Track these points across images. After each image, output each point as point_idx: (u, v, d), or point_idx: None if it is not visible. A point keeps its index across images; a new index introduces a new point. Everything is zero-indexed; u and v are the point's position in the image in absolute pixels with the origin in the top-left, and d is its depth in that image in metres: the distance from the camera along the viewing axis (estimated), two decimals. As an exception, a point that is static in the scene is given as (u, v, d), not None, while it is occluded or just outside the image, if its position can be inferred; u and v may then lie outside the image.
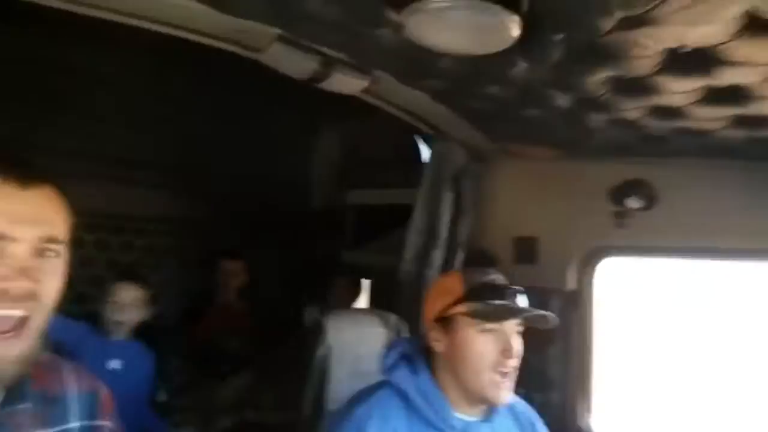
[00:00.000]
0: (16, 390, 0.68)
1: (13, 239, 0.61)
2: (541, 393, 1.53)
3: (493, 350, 0.99)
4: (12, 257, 0.61)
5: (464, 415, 1.04)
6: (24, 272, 0.61)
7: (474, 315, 1.00)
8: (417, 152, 2.16)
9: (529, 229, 1.67)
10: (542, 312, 1.05)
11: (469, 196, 1.71)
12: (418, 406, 1.02)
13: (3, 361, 0.61)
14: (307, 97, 2.52)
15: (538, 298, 1.51)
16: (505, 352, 0.99)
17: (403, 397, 1.04)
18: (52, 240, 0.65)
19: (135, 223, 2.80)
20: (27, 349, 0.63)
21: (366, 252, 2.58)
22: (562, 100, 1.18)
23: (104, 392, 0.81)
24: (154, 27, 1.04)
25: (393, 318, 1.49)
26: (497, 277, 1.08)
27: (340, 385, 1.32)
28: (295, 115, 3.09)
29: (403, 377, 1.05)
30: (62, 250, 0.67)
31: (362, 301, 2.59)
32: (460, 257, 1.71)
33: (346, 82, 1.20)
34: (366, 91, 1.27)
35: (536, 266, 1.63)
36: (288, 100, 2.79)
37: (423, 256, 1.68)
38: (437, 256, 1.67)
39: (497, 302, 1.01)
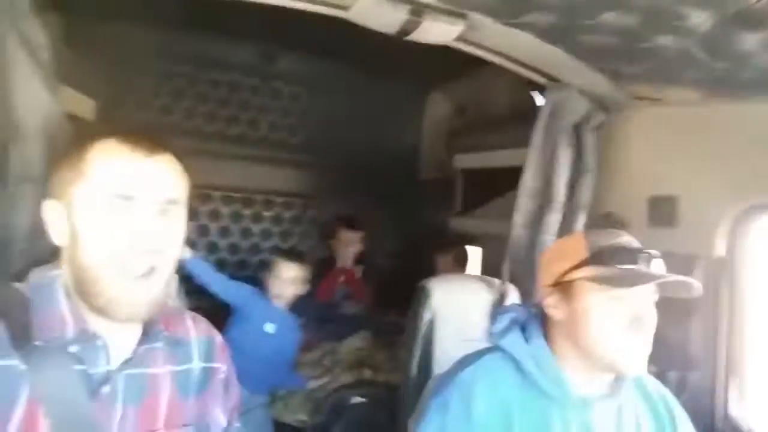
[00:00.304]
0: (151, 332, 0.79)
1: (141, 200, 0.70)
2: (679, 372, 1.33)
3: (621, 319, 0.88)
4: (140, 215, 0.70)
5: (585, 388, 0.94)
6: (149, 228, 0.71)
7: (599, 281, 0.89)
8: (533, 109, 1.99)
9: (666, 187, 1.43)
10: (682, 278, 0.89)
11: (592, 152, 1.52)
12: (532, 374, 0.94)
13: (137, 302, 0.71)
14: (415, 63, 2.53)
15: (678, 266, 1.31)
16: (636, 321, 0.87)
17: (515, 364, 0.96)
18: (172, 201, 0.73)
19: (263, 196, 3.07)
20: (156, 294, 0.73)
21: (475, 218, 2.48)
22: (701, 20, 0.94)
23: (219, 339, 0.90)
24: None
25: (499, 284, 1.42)
26: (627, 239, 0.94)
27: (446, 349, 1.30)
28: (403, 82, 3.08)
29: (514, 343, 0.98)
30: (181, 210, 0.76)
31: (473, 269, 2.51)
32: (581, 221, 1.54)
33: (438, 30, 1.13)
34: (462, 39, 1.17)
35: (676, 230, 1.39)
36: (396, 68, 2.80)
37: (536, 221, 1.55)
38: (553, 220, 1.53)
39: (627, 267, 0.89)
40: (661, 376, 1.25)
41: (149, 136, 0.75)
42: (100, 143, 0.73)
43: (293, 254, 2.16)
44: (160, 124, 2.73)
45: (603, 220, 1.53)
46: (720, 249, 1.32)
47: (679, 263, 1.33)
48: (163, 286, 0.74)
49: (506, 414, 0.91)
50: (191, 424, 0.81)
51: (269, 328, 1.99)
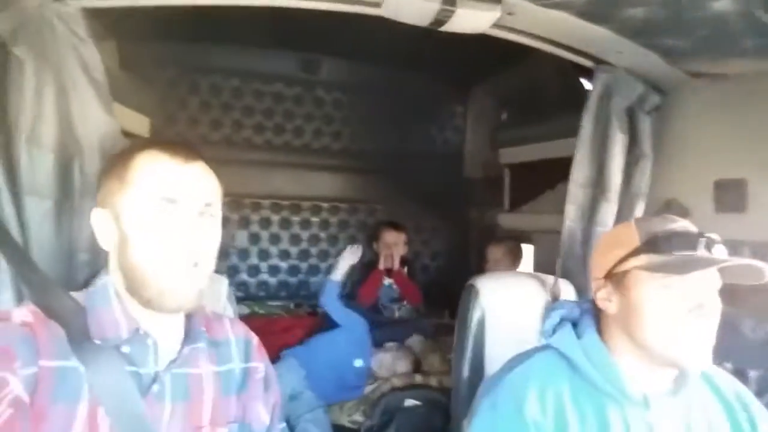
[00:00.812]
0: (192, 332, 0.83)
1: (183, 202, 0.76)
2: (760, 369, 1.22)
3: (679, 309, 0.82)
4: (183, 216, 0.76)
5: (645, 385, 0.88)
6: (192, 228, 0.76)
7: (653, 269, 0.83)
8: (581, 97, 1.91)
9: (733, 169, 1.32)
10: (746, 261, 0.82)
11: (648, 136, 1.43)
12: (586, 371, 0.89)
13: (184, 292, 0.77)
14: (455, 59, 2.50)
15: (750, 255, 1.21)
16: (696, 311, 0.81)
17: (567, 362, 0.91)
18: (208, 204, 0.79)
19: (310, 202, 3.14)
20: (200, 286, 0.78)
21: (524, 214, 2.40)
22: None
23: (256, 340, 0.94)
24: None
25: (552, 280, 1.36)
26: (683, 224, 0.88)
27: (498, 349, 1.25)
28: (444, 80, 3.06)
29: (565, 340, 0.93)
30: (217, 212, 0.82)
31: (524, 266, 2.43)
32: (639, 211, 1.45)
33: (473, 18, 1.09)
34: (500, 25, 1.13)
35: (746, 215, 1.28)
36: (436, 66, 2.79)
37: (590, 213, 1.47)
38: (608, 210, 1.44)
39: (683, 253, 0.83)
40: (740, 374, 1.16)
41: (184, 144, 0.82)
42: (141, 153, 0.78)
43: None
44: (210, 138, 2.86)
45: (663, 208, 1.44)
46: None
47: (752, 251, 1.23)
48: (206, 278, 0.79)
49: (560, 414, 0.86)
50: (235, 422, 0.84)
51: (358, 363, 2.14)
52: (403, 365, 2.21)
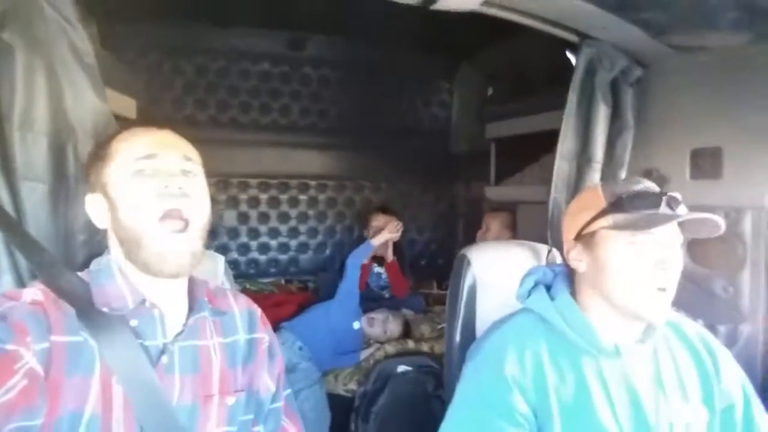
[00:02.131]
0: (197, 303, 0.86)
1: (162, 155, 0.81)
2: (729, 325, 1.31)
3: (644, 263, 0.89)
4: (164, 167, 0.80)
5: (615, 336, 0.95)
6: (175, 176, 0.80)
7: (619, 227, 0.90)
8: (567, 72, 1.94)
9: (709, 139, 1.38)
10: (702, 215, 0.89)
11: (631, 108, 1.47)
12: (560, 328, 0.96)
13: (180, 253, 0.79)
14: (442, 35, 2.49)
15: (726, 218, 1.29)
16: (659, 264, 0.88)
17: (543, 322, 0.98)
18: (188, 158, 0.83)
19: (298, 180, 3.14)
20: (195, 247, 0.81)
21: (510, 186, 2.45)
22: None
23: (259, 311, 0.97)
24: None
25: (543, 249, 1.41)
26: (647, 185, 0.95)
27: (489, 316, 1.30)
28: (431, 57, 3.05)
29: (539, 301, 1.01)
30: (198, 170, 0.85)
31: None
32: (621, 178, 1.51)
33: (463, -5, 1.10)
34: (490, 3, 1.15)
35: (721, 181, 1.34)
36: (423, 42, 2.77)
37: (575, 183, 1.52)
38: (593, 180, 1.50)
39: (646, 211, 0.89)
40: (711, 329, 1.24)
41: (157, 123, 0.86)
42: (118, 134, 0.84)
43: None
44: (196, 119, 2.82)
45: (643, 177, 1.49)
46: (768, 200, 1.27)
47: (726, 216, 1.30)
48: (199, 240, 0.82)
49: (539, 372, 0.93)
50: (242, 391, 0.88)
51: (357, 325, 2.23)
52: (394, 326, 2.30)
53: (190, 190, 0.81)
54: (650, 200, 0.91)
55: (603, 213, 0.93)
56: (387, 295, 2.79)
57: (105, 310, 0.77)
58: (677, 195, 0.92)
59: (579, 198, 1.06)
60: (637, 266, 0.89)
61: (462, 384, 1.00)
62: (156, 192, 0.78)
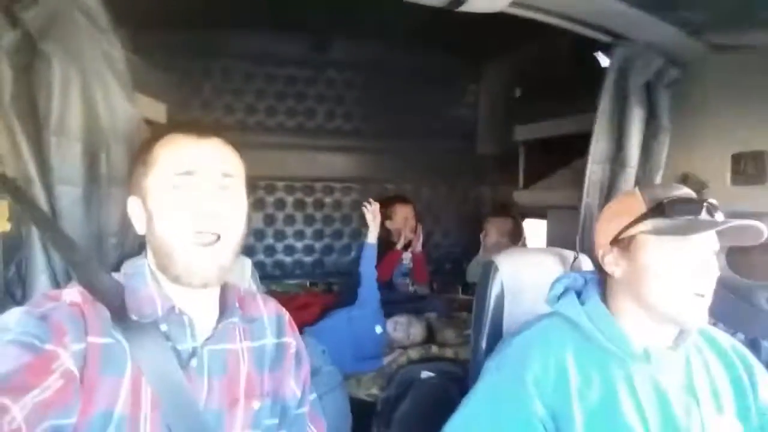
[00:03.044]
0: (227, 309, 0.87)
1: (200, 174, 0.80)
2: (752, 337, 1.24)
3: (684, 269, 0.87)
4: (201, 187, 0.80)
5: (646, 341, 0.93)
6: (211, 197, 0.80)
7: (660, 232, 0.89)
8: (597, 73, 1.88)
9: (752, 142, 1.32)
10: (744, 222, 0.87)
11: (666, 111, 1.42)
12: (590, 331, 0.94)
13: (208, 267, 0.80)
14: (468, 35, 2.46)
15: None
16: (698, 270, 0.87)
17: (572, 326, 0.97)
18: (228, 175, 0.83)
19: (323, 183, 3.16)
20: (224, 260, 0.82)
21: (540, 190, 2.40)
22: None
23: (287, 316, 0.98)
24: None
25: (571, 255, 1.37)
26: (685, 191, 0.94)
27: (516, 323, 1.27)
28: (457, 57, 3.03)
29: (569, 305, 0.99)
30: (238, 184, 0.85)
31: (538, 242, 2.45)
32: (656, 183, 1.46)
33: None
34: (517, 3, 1.12)
35: (764, 187, 1.28)
36: (449, 43, 2.75)
37: (609, 188, 1.48)
38: (627, 185, 1.45)
39: (687, 217, 0.88)
40: (753, 344, 1.19)
41: (199, 123, 0.85)
42: (161, 137, 0.83)
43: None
44: (224, 123, 2.87)
45: (680, 182, 1.44)
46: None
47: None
48: (230, 254, 0.83)
49: (562, 375, 0.92)
50: (268, 396, 0.88)
51: (379, 330, 2.23)
52: (418, 330, 2.29)
53: (225, 207, 0.82)
54: (691, 206, 0.90)
55: (643, 217, 0.92)
56: (411, 284, 2.85)
57: (134, 318, 0.78)
58: (715, 202, 0.91)
59: (616, 202, 1.05)
60: (676, 272, 0.88)
61: (482, 380, 0.99)
62: (190, 211, 0.79)
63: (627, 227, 0.94)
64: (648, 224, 0.91)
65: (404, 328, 2.27)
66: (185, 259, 0.79)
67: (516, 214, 2.60)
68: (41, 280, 1.04)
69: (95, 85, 1.06)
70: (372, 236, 2.51)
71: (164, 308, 0.81)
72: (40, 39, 0.97)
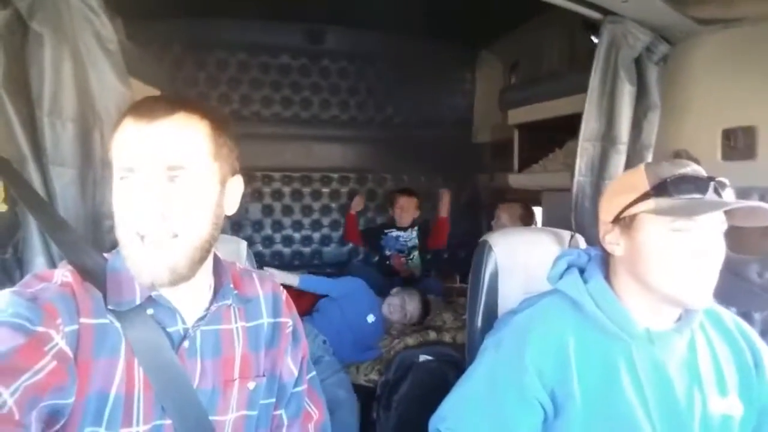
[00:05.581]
0: (221, 290, 0.84)
1: (141, 170, 0.71)
2: (764, 312, 1.25)
3: (684, 251, 0.84)
4: (143, 184, 0.71)
5: (649, 323, 0.91)
6: (155, 195, 0.70)
7: (661, 212, 0.85)
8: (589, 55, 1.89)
9: (742, 117, 1.32)
10: (754, 203, 0.83)
11: (657, 87, 1.42)
12: (592, 312, 0.92)
13: (157, 267, 0.72)
14: (461, 23, 2.47)
15: (759, 199, 1.23)
16: (699, 253, 0.83)
17: (574, 305, 0.95)
18: (173, 167, 0.71)
19: (320, 173, 3.17)
20: (177, 261, 0.73)
21: (534, 173, 2.41)
22: None
23: (284, 295, 0.95)
24: None
25: (566, 234, 1.38)
26: (693, 169, 0.88)
27: (510, 302, 1.28)
28: (450, 45, 3.03)
29: (571, 283, 0.96)
30: (191, 174, 0.73)
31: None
32: (647, 160, 1.46)
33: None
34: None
35: (756, 162, 1.29)
36: (442, 31, 2.75)
37: (600, 166, 1.48)
38: (618, 162, 1.45)
39: (691, 196, 0.84)
40: (746, 316, 1.18)
41: (157, 100, 0.76)
42: (121, 119, 0.75)
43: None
44: None
45: (672, 158, 1.44)
46: (809, 178, 1.21)
47: (760, 197, 1.24)
48: (190, 253, 0.74)
49: (562, 356, 0.90)
50: (264, 376, 0.87)
51: (370, 318, 2.22)
52: (413, 307, 2.31)
53: (176, 204, 0.72)
54: (696, 185, 0.85)
55: (645, 196, 0.88)
56: (410, 260, 3.01)
57: (119, 303, 0.74)
58: (725, 181, 0.86)
59: (620, 179, 1.01)
60: (676, 254, 0.85)
61: (482, 355, 0.99)
62: (132, 212, 0.71)
63: (629, 206, 0.90)
64: (650, 203, 0.87)
65: (399, 309, 2.29)
66: (132, 259, 0.73)
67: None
68: (38, 262, 1.05)
69: (88, 65, 1.06)
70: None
71: (143, 296, 0.76)
72: (31, 19, 0.97)
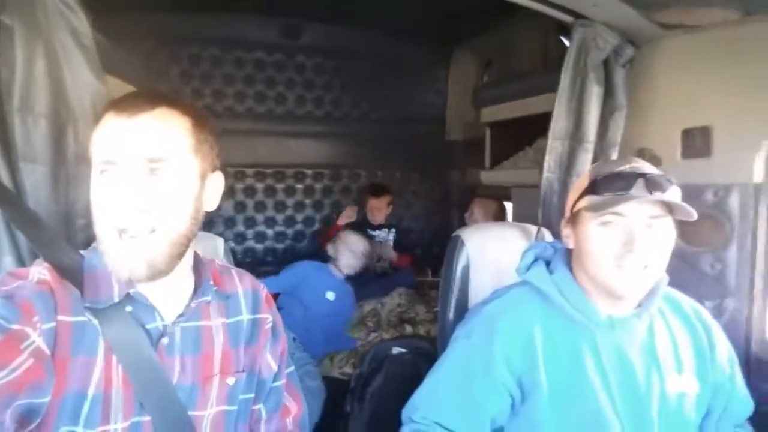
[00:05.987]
0: (201, 287, 0.84)
1: (122, 163, 0.71)
2: (715, 300, 1.34)
3: (612, 244, 0.91)
4: (123, 177, 0.70)
5: (610, 311, 0.98)
6: (135, 189, 0.70)
7: (589, 208, 0.93)
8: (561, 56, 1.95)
9: (700, 117, 1.40)
10: (662, 197, 0.89)
11: (623, 88, 1.49)
12: (557, 301, 0.99)
13: (135, 261, 0.72)
14: (436, 22, 2.50)
15: (713, 195, 1.32)
16: (627, 245, 0.90)
17: (541, 295, 1.01)
18: (155, 160, 0.72)
19: (294, 169, 3.15)
20: (155, 255, 0.73)
21: (505, 170, 2.48)
22: None
23: (264, 292, 0.96)
24: None
25: (534, 229, 1.43)
26: (631, 166, 0.94)
27: (481, 294, 1.31)
28: (425, 44, 3.06)
29: (538, 275, 1.03)
30: (172, 167, 0.73)
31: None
32: (613, 158, 1.53)
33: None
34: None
35: (711, 160, 1.37)
36: (418, 30, 2.78)
37: (568, 163, 1.54)
38: (585, 160, 1.51)
39: (618, 193, 0.91)
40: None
41: (137, 95, 0.76)
42: (102, 115, 0.75)
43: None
44: None
45: (637, 156, 1.51)
46: (758, 176, 1.30)
47: (716, 193, 1.32)
48: (167, 247, 0.74)
49: (530, 344, 0.96)
50: (243, 371, 0.88)
51: (330, 295, 2.24)
52: (391, 308, 2.39)
53: (157, 197, 0.72)
54: (624, 181, 0.91)
55: (584, 193, 0.97)
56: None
57: (98, 300, 0.74)
58: (658, 177, 0.91)
59: (579, 178, 1.10)
60: (603, 247, 0.92)
61: (451, 348, 1.04)
62: (112, 206, 0.71)
63: (574, 203, 0.99)
64: (586, 200, 0.95)
65: (377, 314, 2.32)
66: (110, 253, 0.72)
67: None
68: (6, 261, 1.02)
69: (62, 59, 1.04)
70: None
71: (121, 294, 0.76)
72: (1, 10, 0.94)
